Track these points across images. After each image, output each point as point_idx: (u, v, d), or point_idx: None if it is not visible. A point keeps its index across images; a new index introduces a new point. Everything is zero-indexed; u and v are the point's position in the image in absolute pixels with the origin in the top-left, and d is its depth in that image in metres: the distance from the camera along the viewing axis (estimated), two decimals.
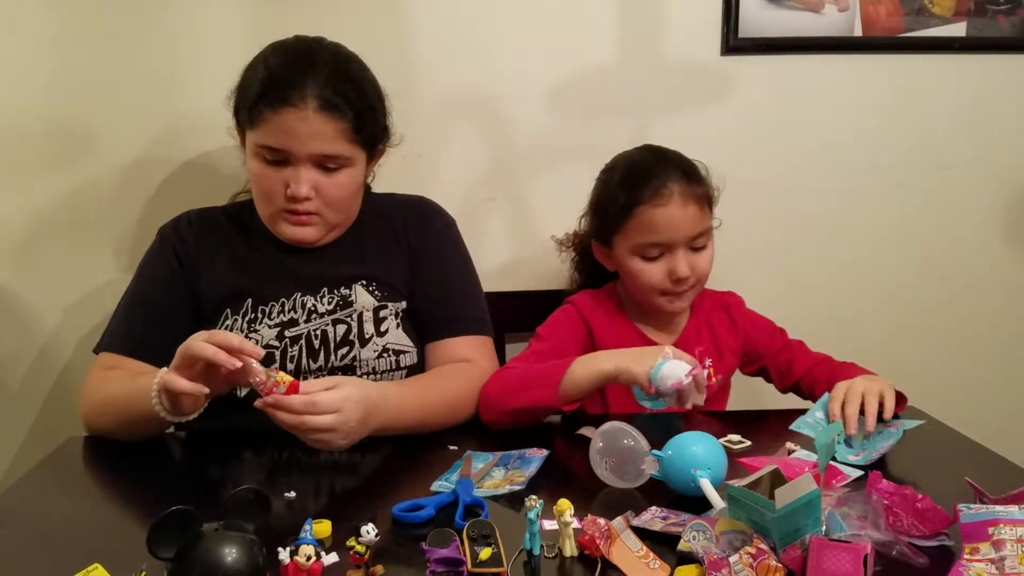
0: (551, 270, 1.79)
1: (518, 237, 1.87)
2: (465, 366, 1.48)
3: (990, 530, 0.92)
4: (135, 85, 1.75)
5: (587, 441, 1.19)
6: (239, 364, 1.17)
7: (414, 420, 1.36)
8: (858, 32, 1.85)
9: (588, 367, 1.37)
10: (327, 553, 0.93)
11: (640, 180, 1.50)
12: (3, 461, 1.81)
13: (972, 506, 0.95)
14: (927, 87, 1.89)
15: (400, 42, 1.76)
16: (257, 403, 1.18)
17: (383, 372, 1.49)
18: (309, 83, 1.38)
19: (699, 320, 1.61)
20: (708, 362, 1.53)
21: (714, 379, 1.53)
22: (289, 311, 1.48)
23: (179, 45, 1.74)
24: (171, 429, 1.38)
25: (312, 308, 1.48)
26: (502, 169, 1.85)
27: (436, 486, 1.16)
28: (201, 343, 1.18)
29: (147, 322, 1.47)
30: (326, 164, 1.43)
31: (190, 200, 1.70)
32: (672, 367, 1.27)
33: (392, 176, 1.63)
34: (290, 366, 1.44)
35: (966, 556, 0.91)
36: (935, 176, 1.93)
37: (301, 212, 1.45)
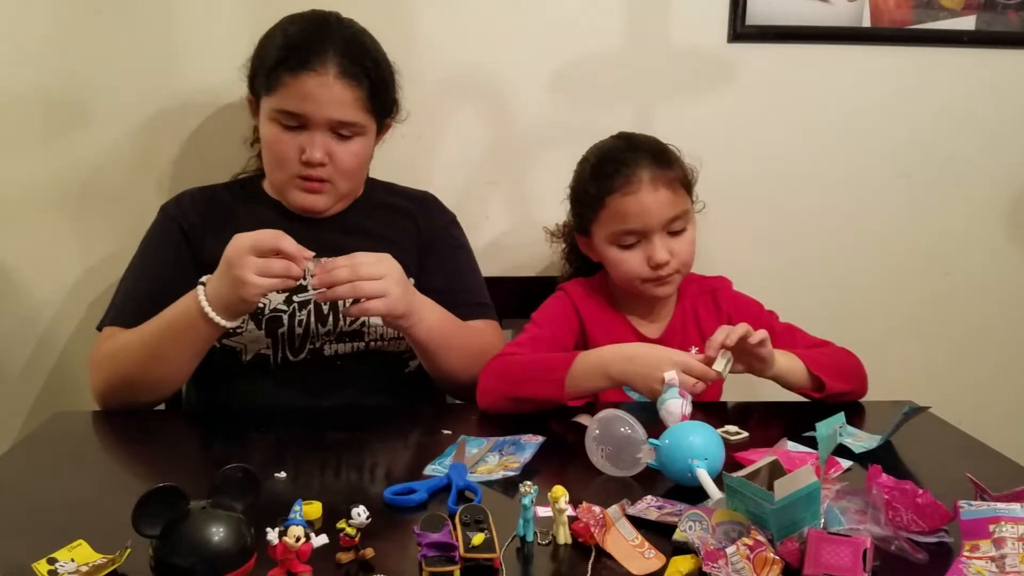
0: (550, 254, 1.78)
1: (518, 221, 1.85)
2: (490, 334, 1.54)
3: (991, 527, 0.90)
4: (134, 60, 1.72)
5: (583, 429, 1.18)
6: (311, 255, 1.27)
7: (442, 332, 1.43)
8: (866, 23, 1.83)
9: (595, 370, 1.35)
10: (317, 535, 0.91)
11: (609, 169, 1.49)
12: (4, 441, 1.79)
13: (973, 503, 0.93)
14: (934, 80, 1.87)
15: (402, 22, 1.74)
16: (314, 281, 1.28)
17: (390, 339, 1.51)
18: (330, 49, 1.42)
19: (685, 308, 1.59)
20: (694, 350, 1.49)
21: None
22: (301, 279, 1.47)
23: (179, 19, 1.72)
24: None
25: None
26: (503, 152, 1.84)
27: (429, 470, 1.14)
28: (279, 233, 1.26)
29: (151, 298, 1.45)
30: (340, 131, 1.46)
31: (190, 176, 1.69)
32: (672, 411, 1.23)
33: (393, 157, 1.61)
34: (299, 330, 1.45)
35: (966, 553, 0.89)
36: (940, 169, 1.91)
37: (314, 178, 1.47)
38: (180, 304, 1.36)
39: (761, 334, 1.33)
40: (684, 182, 1.52)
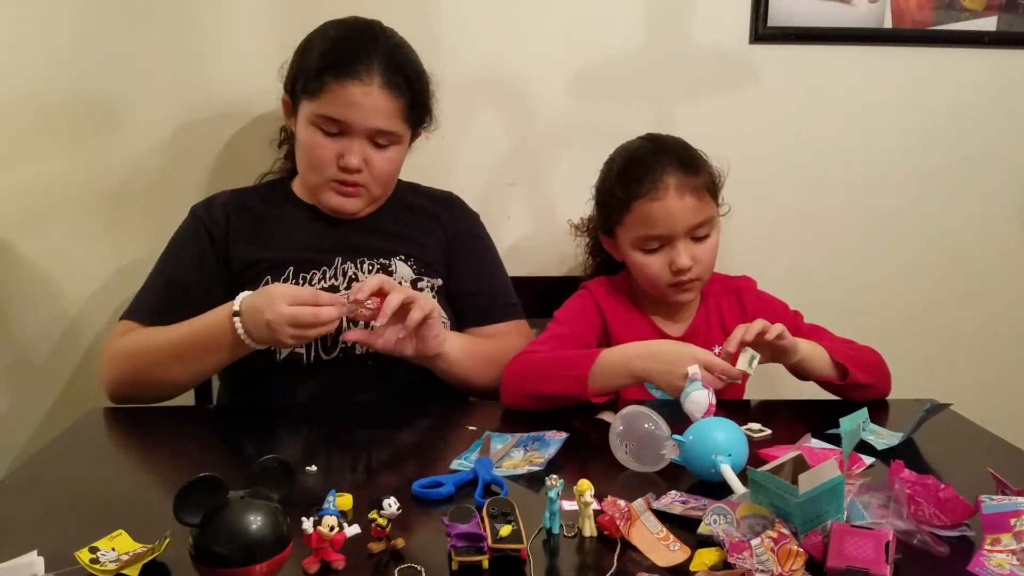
0: (572, 255, 1.80)
1: (539, 222, 1.87)
2: (513, 338, 1.57)
3: (1012, 521, 0.91)
4: (164, 65, 1.75)
5: (606, 426, 1.19)
6: (343, 302, 1.33)
7: (465, 353, 1.48)
8: (888, 24, 1.83)
9: (618, 367, 1.37)
10: (349, 525, 0.93)
11: (637, 173, 1.50)
12: (28, 434, 1.83)
13: (994, 497, 0.94)
14: (956, 81, 1.87)
15: (425, 24, 1.76)
16: (376, 322, 1.35)
17: None
18: (376, 59, 1.45)
19: (708, 307, 1.60)
20: (717, 349, 1.49)
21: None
22: (330, 278, 1.51)
23: (208, 26, 1.74)
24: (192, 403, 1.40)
25: (353, 276, 1.51)
26: (525, 153, 1.85)
27: (455, 465, 1.16)
28: (315, 294, 1.32)
29: (173, 296, 1.49)
30: (378, 140, 1.49)
31: (220, 179, 1.71)
32: (697, 402, 1.25)
33: (416, 157, 1.63)
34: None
35: (987, 547, 0.91)
36: (960, 169, 1.91)
37: (349, 183, 1.50)
38: (215, 318, 1.38)
39: (778, 328, 1.34)
40: (710, 187, 1.52)
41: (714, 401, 1.25)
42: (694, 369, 1.28)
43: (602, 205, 1.59)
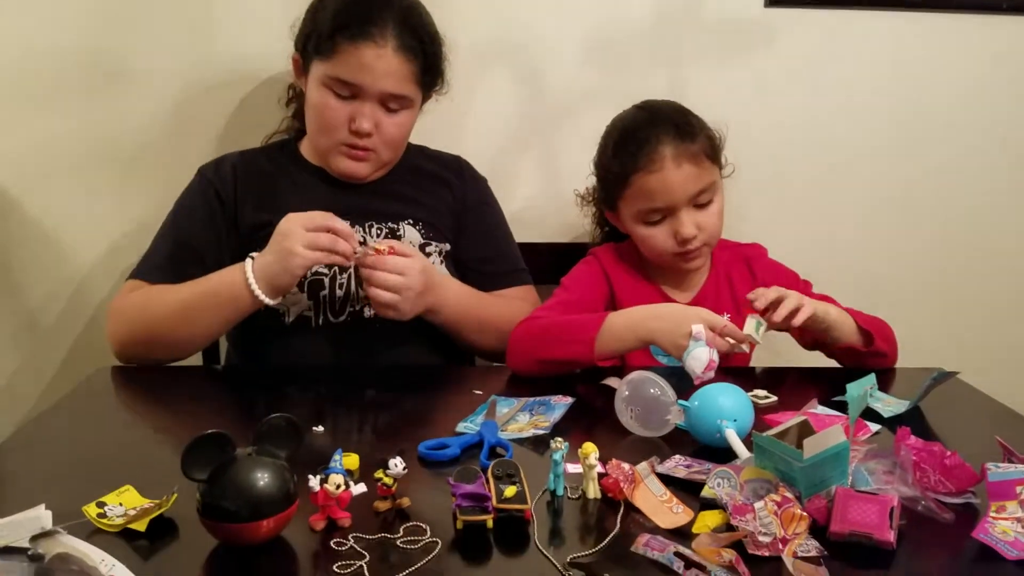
0: (580, 222, 1.78)
1: (548, 187, 1.86)
2: (520, 303, 1.57)
3: (1018, 489, 0.91)
4: (174, 23, 1.73)
5: (612, 391, 1.19)
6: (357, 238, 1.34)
7: (462, 316, 1.48)
8: None
9: (625, 330, 1.37)
10: (355, 484, 0.94)
11: (631, 147, 1.48)
12: (38, 394, 1.84)
13: (1001, 465, 0.94)
14: (974, 46, 1.85)
15: None
16: (355, 260, 1.36)
17: None
18: (389, 21, 1.43)
19: (718, 274, 1.59)
20: (726, 316, 1.48)
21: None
22: None
23: None
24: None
25: (361, 240, 1.50)
26: (535, 118, 1.84)
27: (461, 427, 1.17)
28: (330, 215, 1.33)
29: (181, 256, 1.49)
30: (389, 104, 1.48)
31: (227, 138, 1.70)
32: (699, 357, 1.25)
33: (424, 122, 1.62)
34: (339, 293, 1.48)
35: (992, 514, 0.90)
36: (976, 135, 1.89)
37: (359, 147, 1.49)
38: (225, 274, 1.39)
39: (798, 306, 1.34)
40: (709, 152, 1.49)
41: (716, 359, 1.25)
42: (698, 328, 1.28)
43: (602, 180, 1.58)
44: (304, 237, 1.31)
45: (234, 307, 1.38)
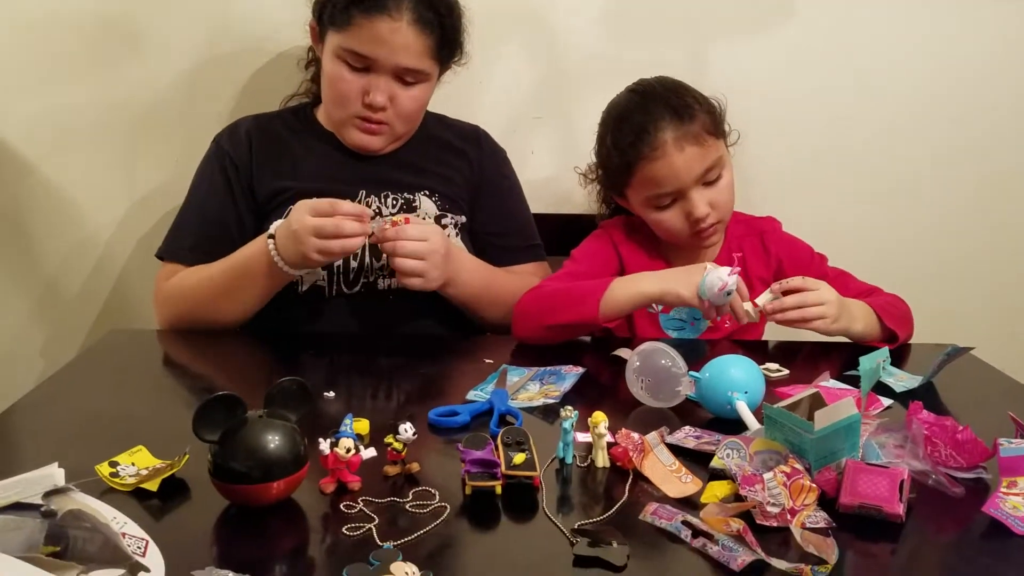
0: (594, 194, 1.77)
1: (563, 158, 1.83)
2: (533, 279, 1.55)
3: None
4: None
5: (622, 362, 1.19)
6: (369, 213, 1.33)
7: (477, 290, 1.48)
8: None
9: (631, 288, 1.37)
10: (366, 448, 0.95)
11: (630, 135, 1.45)
12: (54, 356, 1.85)
13: (1013, 440, 0.93)
14: (998, 23, 1.81)
15: None
16: (370, 239, 1.35)
17: None
18: None
19: (731, 249, 1.58)
20: (737, 268, 1.46)
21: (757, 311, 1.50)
22: None
23: None
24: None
25: (377, 210, 1.50)
26: (551, 88, 1.82)
27: (471, 395, 1.17)
28: (336, 203, 1.31)
29: (208, 232, 1.50)
30: (405, 77, 1.46)
31: (244, 106, 1.69)
32: (721, 272, 1.30)
33: (440, 89, 1.61)
34: (353, 263, 1.48)
35: (1003, 489, 0.90)
36: (993, 110, 1.86)
37: (374, 120, 1.48)
38: (252, 249, 1.40)
39: (797, 316, 1.35)
40: (710, 128, 1.45)
41: (734, 284, 1.29)
42: (711, 265, 1.31)
43: (605, 169, 1.55)
44: (316, 245, 1.30)
45: (268, 280, 1.40)
